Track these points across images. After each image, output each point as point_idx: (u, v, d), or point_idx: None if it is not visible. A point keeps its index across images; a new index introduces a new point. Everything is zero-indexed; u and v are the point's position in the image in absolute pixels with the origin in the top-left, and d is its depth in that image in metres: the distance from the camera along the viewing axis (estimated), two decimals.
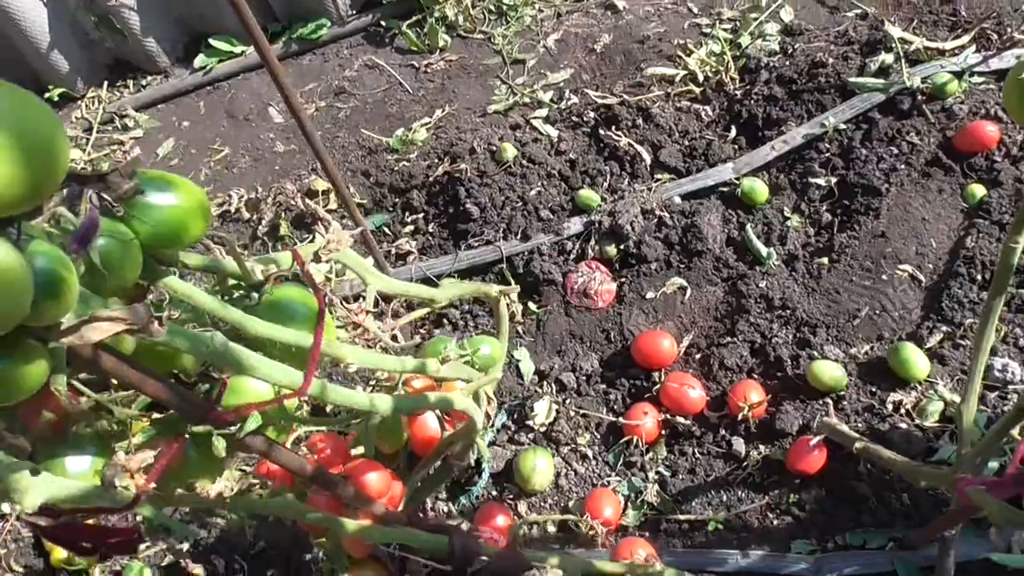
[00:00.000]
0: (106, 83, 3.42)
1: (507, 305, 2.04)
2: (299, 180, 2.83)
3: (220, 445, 0.96)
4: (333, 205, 2.68)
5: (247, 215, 2.73)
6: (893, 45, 2.47)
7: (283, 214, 2.69)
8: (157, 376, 0.86)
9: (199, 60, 3.35)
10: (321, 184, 2.73)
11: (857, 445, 1.58)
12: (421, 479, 1.65)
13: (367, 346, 1.97)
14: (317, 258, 1.11)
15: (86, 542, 0.88)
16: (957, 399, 1.84)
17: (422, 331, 2.38)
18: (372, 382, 1.51)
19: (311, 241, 1.14)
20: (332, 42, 3.35)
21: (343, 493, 1.27)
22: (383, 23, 3.31)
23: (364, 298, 1.23)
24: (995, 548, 1.67)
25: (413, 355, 1.32)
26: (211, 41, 3.36)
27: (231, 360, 0.86)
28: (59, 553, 2.08)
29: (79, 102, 3.38)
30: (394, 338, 1.27)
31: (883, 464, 1.61)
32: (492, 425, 2.10)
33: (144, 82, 3.41)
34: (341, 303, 1.19)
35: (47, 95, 3.32)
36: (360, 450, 1.60)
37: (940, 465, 1.74)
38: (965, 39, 2.53)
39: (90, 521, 0.88)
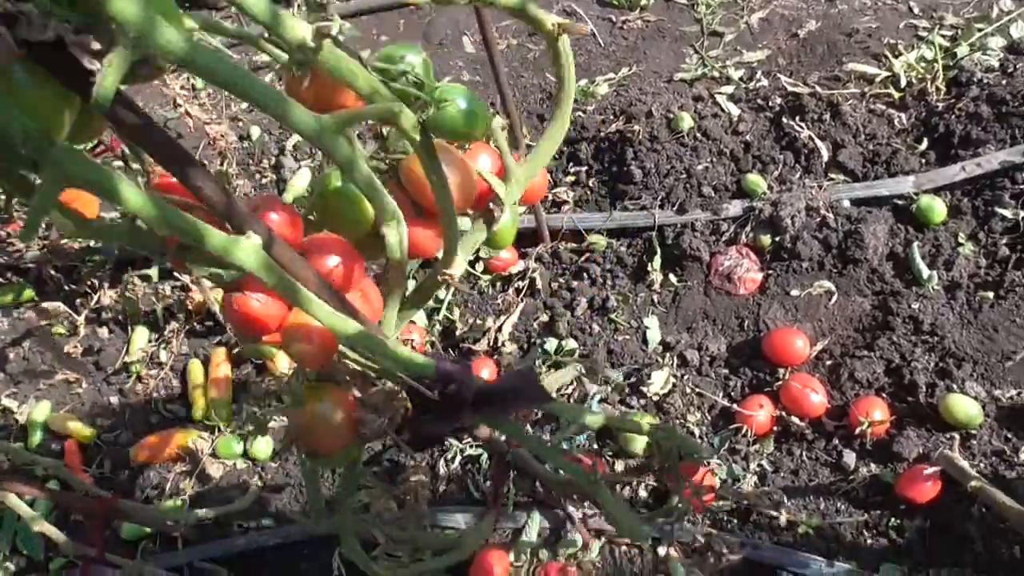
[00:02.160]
0: None
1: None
2: None
3: None
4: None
5: None
6: None
7: None
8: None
9: None
10: (496, 120, 2.83)
11: (973, 483, 1.53)
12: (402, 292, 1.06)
13: None
14: None
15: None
16: None
17: (559, 280, 2.45)
18: None
19: None
20: None
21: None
22: None
23: None
24: None
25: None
26: None
27: None
28: (200, 407, 2.32)
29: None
30: None
31: (997, 509, 1.55)
32: (608, 384, 2.17)
33: None
34: None
35: None
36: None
37: None
38: None
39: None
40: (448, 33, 3.30)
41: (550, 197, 2.60)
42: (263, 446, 2.24)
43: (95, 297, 2.54)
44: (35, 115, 0.61)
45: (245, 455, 2.25)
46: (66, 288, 2.61)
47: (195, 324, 2.51)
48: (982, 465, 1.84)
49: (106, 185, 0.63)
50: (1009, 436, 1.87)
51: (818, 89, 2.59)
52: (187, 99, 3.05)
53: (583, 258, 2.46)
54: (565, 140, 2.71)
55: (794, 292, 2.25)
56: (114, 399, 2.44)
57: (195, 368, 2.38)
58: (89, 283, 2.58)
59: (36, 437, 2.37)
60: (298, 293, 0.80)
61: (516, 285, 2.43)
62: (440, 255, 1.06)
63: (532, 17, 0.91)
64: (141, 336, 2.51)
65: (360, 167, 0.81)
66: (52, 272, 2.59)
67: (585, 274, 2.43)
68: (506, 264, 2.44)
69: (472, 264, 2.47)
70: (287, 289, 0.79)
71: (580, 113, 2.74)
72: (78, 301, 2.58)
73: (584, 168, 2.63)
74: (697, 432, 2.07)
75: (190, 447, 2.25)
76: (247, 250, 0.74)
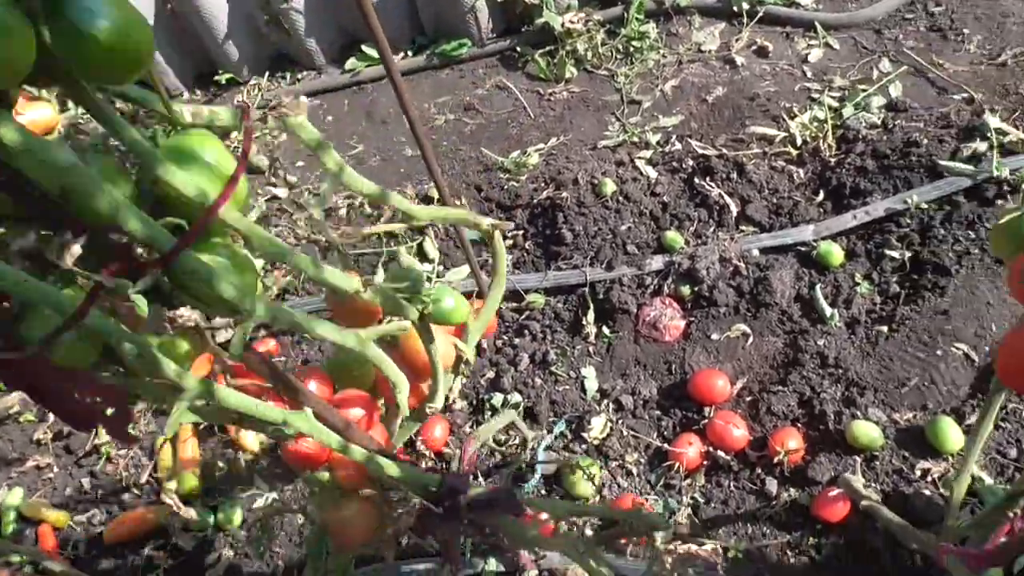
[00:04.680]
0: (267, 73, 3.88)
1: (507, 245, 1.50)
2: (419, 184, 3.16)
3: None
4: None
5: (369, 210, 3.08)
6: (989, 134, 2.57)
7: (400, 215, 3.03)
8: None
9: (350, 63, 3.75)
10: (436, 192, 3.05)
11: (863, 503, 1.75)
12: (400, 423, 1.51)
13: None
14: (264, 118, 0.95)
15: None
16: (984, 476, 1.99)
17: (503, 338, 2.65)
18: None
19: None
20: (471, 60, 3.67)
21: (332, 418, 1.22)
22: (518, 49, 3.61)
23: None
24: None
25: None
26: (363, 47, 3.75)
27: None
28: (169, 483, 2.44)
29: (242, 87, 3.85)
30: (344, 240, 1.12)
31: (882, 523, 1.78)
32: (551, 432, 2.36)
33: (300, 76, 3.84)
34: (275, 171, 0.97)
35: (216, 77, 3.80)
36: None
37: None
38: None
39: None
40: (390, 112, 3.53)
41: (489, 260, 2.80)
42: (236, 515, 2.36)
43: None
44: None
45: (215, 526, 2.37)
46: None
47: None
48: (885, 484, 2.07)
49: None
50: (907, 455, 2.11)
51: (725, 151, 2.87)
52: None
53: (523, 316, 2.67)
54: (502, 207, 2.94)
55: (714, 336, 2.48)
56: (86, 481, 2.54)
57: (163, 445, 2.50)
58: None
59: (10, 524, 2.45)
60: (339, 441, 1.17)
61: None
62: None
63: (472, 222, 1.31)
64: None
65: (381, 356, 1.23)
66: None
67: (526, 331, 2.63)
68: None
69: None
70: (332, 440, 1.16)
71: (515, 183, 2.97)
72: None
73: (520, 232, 2.86)
74: (635, 471, 2.27)
75: (161, 523, 2.36)
76: (303, 419, 1.10)
